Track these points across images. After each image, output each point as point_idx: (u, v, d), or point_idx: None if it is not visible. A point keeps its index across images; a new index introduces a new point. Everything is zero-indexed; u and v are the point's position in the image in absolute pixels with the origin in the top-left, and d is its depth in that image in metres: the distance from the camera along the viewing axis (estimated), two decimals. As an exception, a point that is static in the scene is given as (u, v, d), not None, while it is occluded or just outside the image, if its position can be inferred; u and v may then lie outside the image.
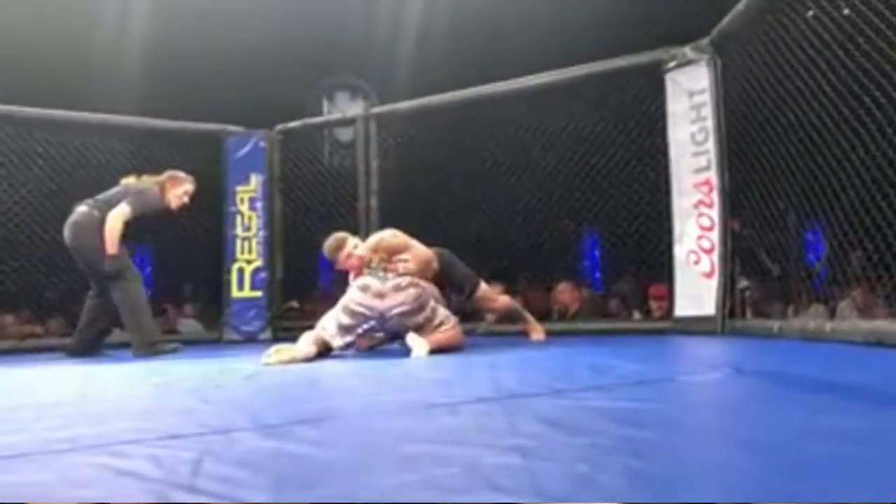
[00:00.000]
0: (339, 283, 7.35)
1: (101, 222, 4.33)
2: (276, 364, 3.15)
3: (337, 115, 7.70)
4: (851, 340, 3.05)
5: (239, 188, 6.21)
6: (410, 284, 3.51)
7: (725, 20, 4.35)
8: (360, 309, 3.46)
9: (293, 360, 3.23)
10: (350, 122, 6.49)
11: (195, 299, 7.26)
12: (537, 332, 4.58)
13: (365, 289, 3.50)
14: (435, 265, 3.90)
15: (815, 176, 3.67)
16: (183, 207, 4.65)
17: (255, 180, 6.22)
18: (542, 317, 5.47)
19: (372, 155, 5.98)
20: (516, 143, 5.82)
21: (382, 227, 5.85)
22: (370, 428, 1.46)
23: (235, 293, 6.12)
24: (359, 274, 3.73)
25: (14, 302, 6.13)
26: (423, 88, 6.07)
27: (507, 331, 5.01)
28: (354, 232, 5.89)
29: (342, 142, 7.10)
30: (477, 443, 1.26)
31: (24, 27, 7.06)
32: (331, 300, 6.73)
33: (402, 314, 3.46)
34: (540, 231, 6.08)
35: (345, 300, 3.54)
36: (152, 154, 6.15)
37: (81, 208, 4.46)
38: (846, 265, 3.68)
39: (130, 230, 4.46)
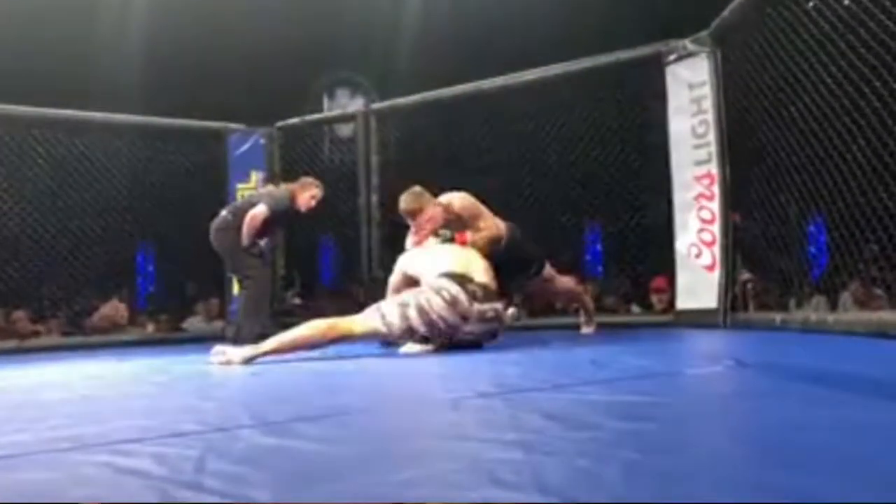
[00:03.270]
0: (343, 279, 7.39)
1: (237, 226, 4.70)
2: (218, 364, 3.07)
3: (337, 112, 7.69)
4: (854, 332, 3.05)
5: (240, 185, 6.20)
6: (495, 318, 3.26)
7: (726, 12, 4.33)
8: (441, 323, 3.12)
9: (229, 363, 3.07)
10: (350, 118, 6.50)
11: (199, 297, 7.26)
12: (589, 325, 4.41)
13: (454, 302, 3.12)
14: (502, 243, 3.74)
15: (817, 168, 3.67)
16: (311, 210, 4.96)
17: (256, 177, 6.21)
18: (545, 311, 5.46)
19: (372, 150, 5.98)
20: (517, 136, 5.81)
21: (383, 221, 5.90)
22: (373, 424, 1.46)
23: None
24: (424, 236, 3.62)
25: (20, 299, 6.14)
26: (423, 84, 6.06)
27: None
28: (356, 226, 5.94)
29: (342, 138, 7.09)
30: (479, 438, 1.27)
31: (24, 26, 7.05)
32: (334, 295, 6.71)
33: (470, 340, 3.27)
34: (542, 224, 6.06)
35: (423, 300, 3.14)
36: (153, 152, 6.16)
37: (222, 213, 4.87)
38: (848, 257, 3.67)
39: (268, 229, 4.83)
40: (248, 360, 3.06)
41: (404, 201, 3.71)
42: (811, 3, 3.64)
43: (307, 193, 4.89)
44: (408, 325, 3.09)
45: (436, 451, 1.14)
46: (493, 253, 3.64)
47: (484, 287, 3.25)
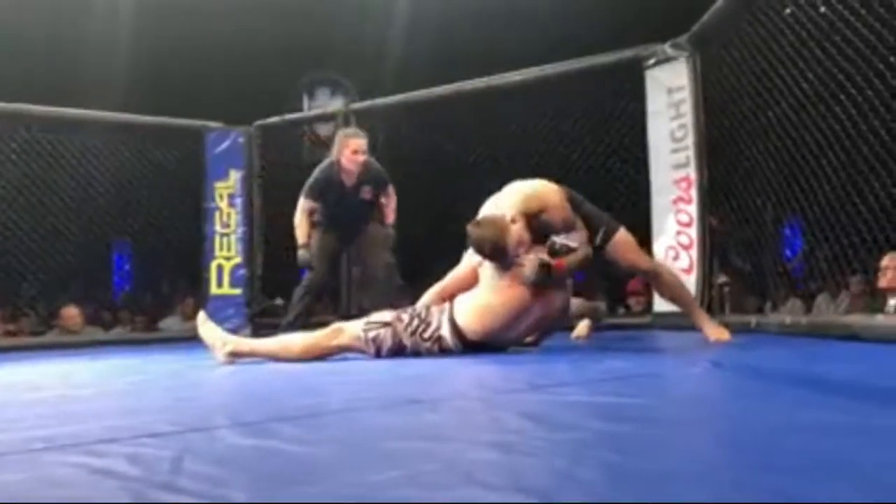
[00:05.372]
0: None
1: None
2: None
3: (317, 111, 7.66)
4: (827, 334, 3.09)
5: (218, 184, 6.16)
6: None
7: (705, 17, 4.37)
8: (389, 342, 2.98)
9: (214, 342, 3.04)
10: (330, 117, 6.47)
11: (175, 296, 7.21)
12: (718, 331, 3.29)
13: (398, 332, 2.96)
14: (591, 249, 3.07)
15: (793, 172, 3.72)
16: (361, 166, 4.37)
17: (234, 176, 6.17)
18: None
19: (352, 151, 5.95)
20: (501, 137, 5.82)
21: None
22: (351, 425, 1.45)
23: (214, 290, 6.08)
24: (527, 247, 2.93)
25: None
26: (408, 86, 6.05)
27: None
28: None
29: (322, 137, 7.05)
30: (458, 438, 1.27)
31: (7, 22, 6.96)
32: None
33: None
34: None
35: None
36: (130, 150, 6.10)
37: None
38: (820, 261, 3.73)
39: (324, 214, 4.46)
40: (230, 359, 3.00)
41: (486, 245, 2.92)
42: (788, 10, 3.69)
43: (346, 151, 4.32)
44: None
45: (414, 451, 1.13)
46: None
47: (568, 249, 2.92)
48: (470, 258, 3.12)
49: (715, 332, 3.26)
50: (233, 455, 1.16)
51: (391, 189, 4.61)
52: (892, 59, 3.12)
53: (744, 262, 4.68)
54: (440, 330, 2.95)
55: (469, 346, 2.96)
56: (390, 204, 4.62)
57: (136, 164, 6.16)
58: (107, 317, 6.65)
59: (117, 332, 6.26)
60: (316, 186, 4.36)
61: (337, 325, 3.13)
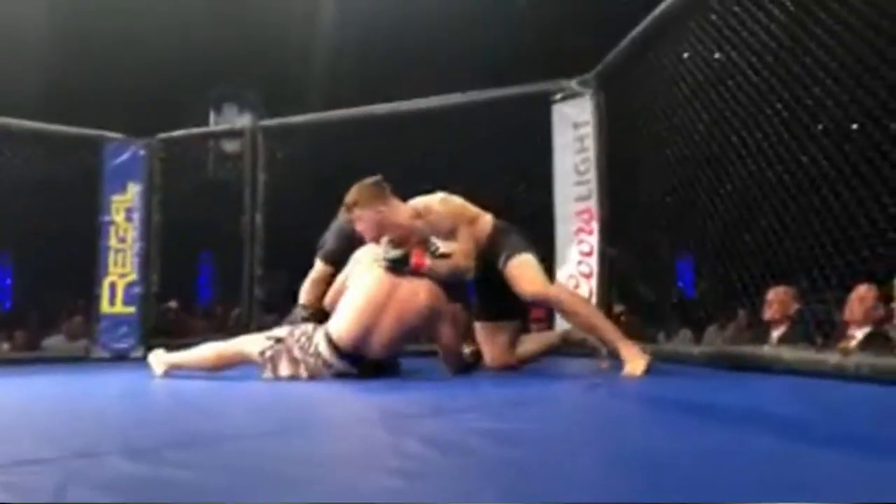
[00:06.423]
0: (220, 299, 7.13)
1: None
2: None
3: (224, 126, 7.51)
4: (717, 364, 3.23)
5: (115, 197, 5.89)
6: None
7: (609, 56, 4.55)
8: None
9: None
10: (238, 133, 6.33)
11: (61, 314, 6.84)
12: (633, 366, 2.92)
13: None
14: (468, 276, 3.17)
15: (686, 209, 3.90)
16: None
17: (133, 190, 5.92)
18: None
19: (259, 168, 5.84)
20: (410, 161, 5.85)
21: (269, 240, 5.73)
22: (246, 451, 1.41)
23: (106, 308, 5.79)
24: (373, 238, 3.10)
25: None
26: (329, 106, 6.00)
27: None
28: (239, 245, 5.74)
29: (228, 153, 6.90)
30: (357, 464, 1.25)
31: None
32: (209, 316, 6.45)
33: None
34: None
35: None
36: (19, 158, 5.77)
37: None
38: (710, 293, 3.92)
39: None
40: (166, 371, 3.19)
41: (357, 194, 3.15)
42: (686, 54, 3.89)
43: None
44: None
45: (312, 477, 1.11)
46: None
47: (420, 269, 3.00)
48: (345, 273, 3.21)
49: (630, 366, 2.94)
50: (122, 483, 1.10)
51: None
52: (779, 105, 3.34)
53: (648, 292, 4.85)
54: (319, 346, 3.00)
55: (348, 359, 2.96)
56: None
57: (22, 172, 5.81)
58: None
59: (-5, 351, 5.87)
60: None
61: (244, 337, 3.27)
